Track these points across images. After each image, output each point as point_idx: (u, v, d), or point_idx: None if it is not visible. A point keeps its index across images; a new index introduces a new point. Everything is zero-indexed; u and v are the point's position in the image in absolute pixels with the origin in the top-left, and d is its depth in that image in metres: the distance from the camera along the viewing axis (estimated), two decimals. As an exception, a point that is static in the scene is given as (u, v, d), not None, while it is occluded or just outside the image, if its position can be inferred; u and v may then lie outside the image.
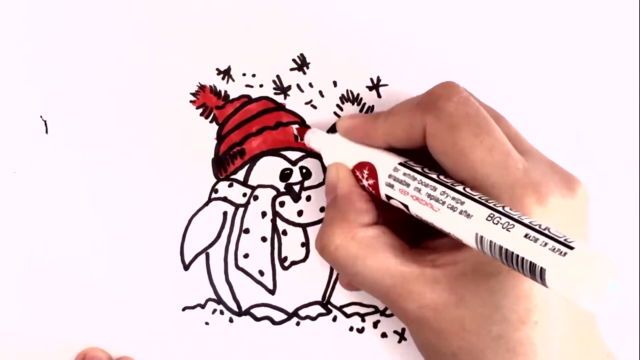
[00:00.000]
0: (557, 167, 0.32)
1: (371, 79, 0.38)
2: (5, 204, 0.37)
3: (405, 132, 0.33)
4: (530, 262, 0.26)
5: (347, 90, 0.38)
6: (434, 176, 0.31)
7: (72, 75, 0.37)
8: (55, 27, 0.37)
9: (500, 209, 0.28)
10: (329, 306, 0.38)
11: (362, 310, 0.38)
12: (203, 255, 0.38)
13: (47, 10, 0.37)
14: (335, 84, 0.38)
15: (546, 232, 0.27)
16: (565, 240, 0.26)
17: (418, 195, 0.31)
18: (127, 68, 0.37)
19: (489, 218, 0.28)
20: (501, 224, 0.28)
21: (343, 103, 0.38)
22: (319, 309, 0.38)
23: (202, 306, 0.38)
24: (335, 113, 0.38)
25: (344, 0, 0.38)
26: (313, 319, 0.38)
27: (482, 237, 0.28)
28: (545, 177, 0.30)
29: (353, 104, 0.38)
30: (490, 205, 0.29)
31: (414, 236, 0.34)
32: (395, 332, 0.38)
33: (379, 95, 0.38)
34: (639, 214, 0.39)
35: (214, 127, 0.38)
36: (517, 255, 0.27)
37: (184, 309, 0.38)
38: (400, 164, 0.33)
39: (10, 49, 0.37)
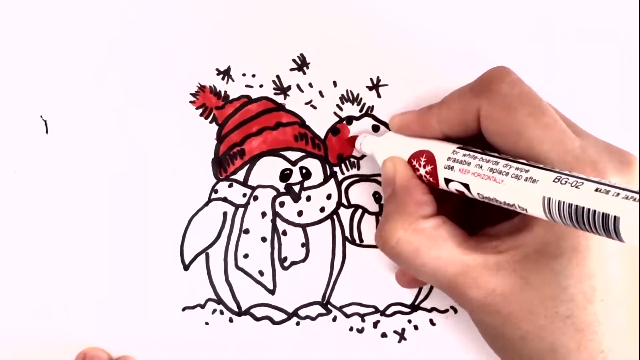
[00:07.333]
0: (611, 146, 0.32)
1: (371, 79, 0.38)
2: (5, 204, 0.37)
3: (459, 118, 0.33)
4: (603, 213, 0.25)
5: (347, 90, 0.38)
6: (495, 154, 0.31)
7: (72, 75, 0.37)
8: (55, 27, 0.37)
9: (566, 172, 0.28)
10: (328, 306, 0.38)
11: (362, 310, 0.38)
12: (203, 256, 0.38)
13: (47, 10, 0.37)
14: (335, 84, 0.38)
15: (617, 185, 0.26)
16: (637, 191, 0.25)
17: (480, 172, 0.30)
18: (127, 68, 0.37)
19: (556, 180, 0.28)
20: (569, 183, 0.27)
21: (343, 103, 0.38)
22: (318, 309, 0.38)
23: (202, 306, 0.38)
24: (335, 113, 0.38)
25: (344, 0, 0.38)
26: (313, 319, 0.38)
27: (550, 199, 0.27)
28: (601, 155, 0.30)
29: (353, 104, 0.38)
30: (556, 170, 0.28)
31: (472, 226, 0.34)
32: (395, 332, 0.38)
33: (378, 95, 0.38)
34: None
35: (214, 127, 0.38)
36: (589, 210, 0.26)
37: (183, 309, 0.38)
38: (458, 147, 0.32)
39: (10, 49, 0.37)
